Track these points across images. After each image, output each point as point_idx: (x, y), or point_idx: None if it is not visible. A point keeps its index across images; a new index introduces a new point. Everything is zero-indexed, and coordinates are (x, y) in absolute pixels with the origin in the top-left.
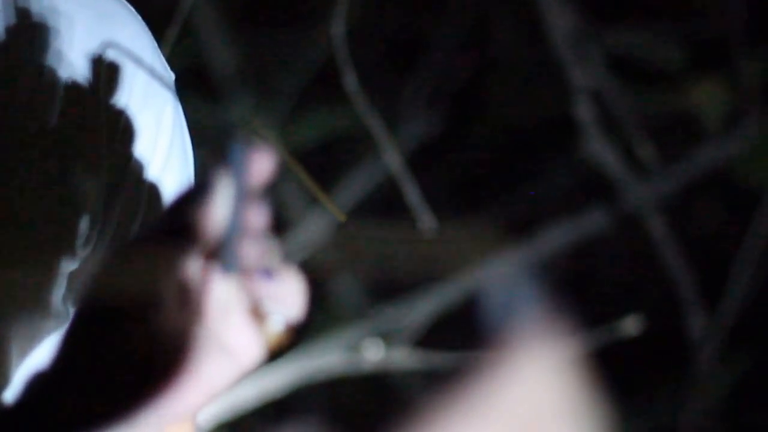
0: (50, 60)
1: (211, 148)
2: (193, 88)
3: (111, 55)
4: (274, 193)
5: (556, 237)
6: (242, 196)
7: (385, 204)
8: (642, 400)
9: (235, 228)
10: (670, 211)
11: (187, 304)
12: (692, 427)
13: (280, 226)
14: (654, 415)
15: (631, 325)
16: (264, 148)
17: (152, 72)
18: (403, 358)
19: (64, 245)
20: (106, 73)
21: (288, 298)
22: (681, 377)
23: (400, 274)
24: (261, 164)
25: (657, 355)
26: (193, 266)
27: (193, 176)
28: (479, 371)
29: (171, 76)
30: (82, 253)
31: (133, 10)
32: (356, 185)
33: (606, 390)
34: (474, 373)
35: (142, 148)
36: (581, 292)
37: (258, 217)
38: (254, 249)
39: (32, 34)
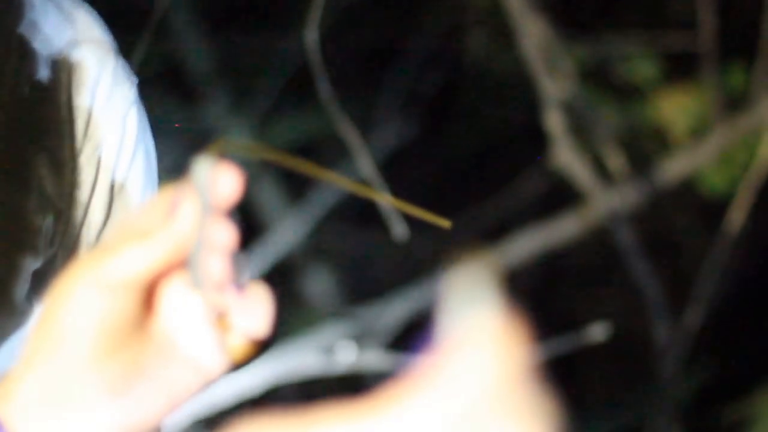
0: (26, 55)
1: (185, 151)
2: (169, 90)
3: (73, 56)
4: (248, 195)
5: (525, 244)
6: (208, 211)
7: (358, 210)
8: (607, 405)
9: (202, 242)
10: (638, 220)
11: (152, 317)
12: None
13: (254, 228)
14: (619, 419)
15: (598, 332)
16: (230, 166)
17: (115, 74)
18: (376, 360)
19: (27, 244)
20: (68, 73)
21: (254, 311)
22: (646, 383)
23: (374, 277)
24: (227, 181)
25: (623, 360)
26: (161, 280)
27: (158, 179)
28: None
29: (134, 78)
30: (46, 252)
31: (93, 11)
32: (329, 191)
33: (572, 395)
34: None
35: (105, 150)
36: (549, 299)
37: (225, 232)
38: (221, 263)
39: (11, 28)
